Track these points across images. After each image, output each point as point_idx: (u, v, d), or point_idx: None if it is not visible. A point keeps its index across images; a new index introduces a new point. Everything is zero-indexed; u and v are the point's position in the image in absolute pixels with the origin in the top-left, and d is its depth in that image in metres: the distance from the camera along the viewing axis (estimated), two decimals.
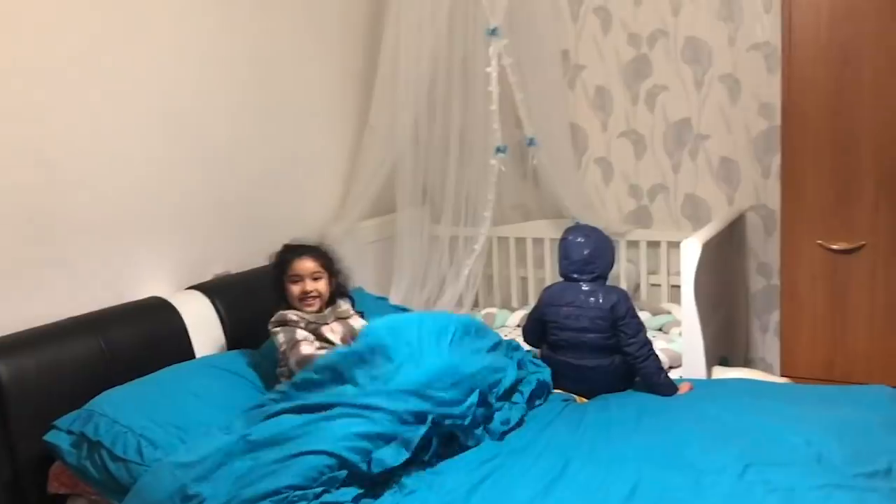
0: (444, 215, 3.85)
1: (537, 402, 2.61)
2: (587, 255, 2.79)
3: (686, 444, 2.23)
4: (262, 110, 3.29)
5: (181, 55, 2.92)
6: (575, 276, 2.80)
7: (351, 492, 2.02)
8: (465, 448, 2.29)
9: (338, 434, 2.10)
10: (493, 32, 3.53)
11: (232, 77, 3.14)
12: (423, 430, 2.17)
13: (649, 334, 2.81)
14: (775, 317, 3.70)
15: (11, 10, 2.38)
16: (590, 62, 3.95)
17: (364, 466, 2.06)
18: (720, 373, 3.03)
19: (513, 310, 3.88)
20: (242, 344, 2.80)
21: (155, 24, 2.82)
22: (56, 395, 2.31)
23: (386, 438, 2.13)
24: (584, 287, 2.78)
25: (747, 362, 3.82)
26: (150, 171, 2.82)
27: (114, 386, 2.37)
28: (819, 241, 3.15)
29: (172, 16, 2.89)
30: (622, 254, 3.82)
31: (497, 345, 2.70)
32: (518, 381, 2.59)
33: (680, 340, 3.14)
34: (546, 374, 2.71)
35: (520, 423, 2.46)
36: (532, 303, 3.39)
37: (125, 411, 2.26)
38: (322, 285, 2.65)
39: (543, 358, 2.83)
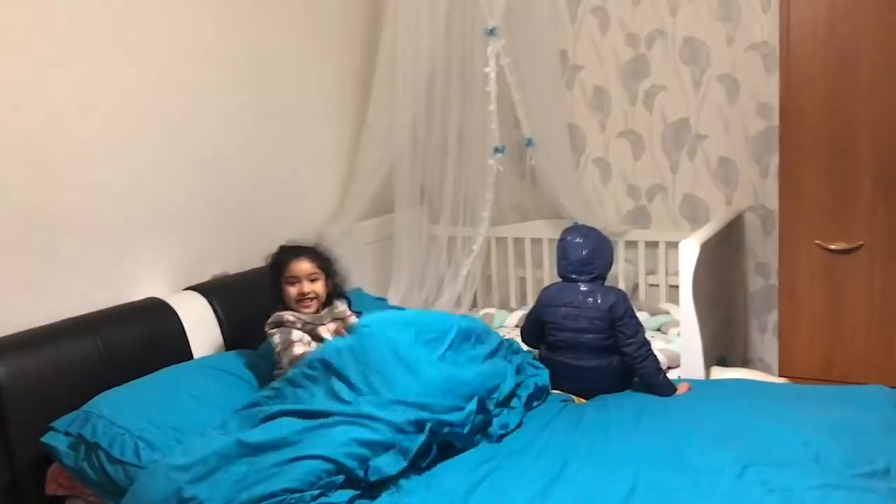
0: (442, 215, 3.85)
1: (535, 404, 2.60)
2: (585, 255, 2.79)
3: (684, 445, 2.23)
4: (261, 110, 3.29)
5: (180, 55, 2.92)
6: (573, 276, 2.80)
7: (347, 493, 2.02)
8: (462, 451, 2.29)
9: (336, 440, 2.10)
10: (492, 32, 3.53)
11: (231, 77, 3.14)
12: (421, 438, 2.17)
13: (648, 334, 2.81)
14: (773, 317, 3.70)
15: (11, 10, 2.38)
16: (588, 62, 3.95)
17: (361, 473, 2.06)
18: (718, 373, 3.03)
19: (511, 310, 3.88)
20: (240, 345, 2.79)
21: (155, 23, 2.82)
22: (54, 396, 2.30)
23: (384, 446, 2.13)
24: (583, 287, 2.77)
25: (746, 362, 3.82)
26: (148, 172, 2.81)
27: (112, 387, 2.36)
28: (817, 241, 3.15)
29: (172, 16, 2.89)
30: (620, 254, 3.82)
31: (497, 349, 2.69)
32: (516, 387, 2.58)
33: (678, 341, 3.13)
34: (544, 377, 2.71)
35: (518, 425, 2.46)
36: (530, 303, 3.38)
37: (123, 413, 2.26)
38: (319, 286, 2.64)
39: (542, 358, 2.83)
